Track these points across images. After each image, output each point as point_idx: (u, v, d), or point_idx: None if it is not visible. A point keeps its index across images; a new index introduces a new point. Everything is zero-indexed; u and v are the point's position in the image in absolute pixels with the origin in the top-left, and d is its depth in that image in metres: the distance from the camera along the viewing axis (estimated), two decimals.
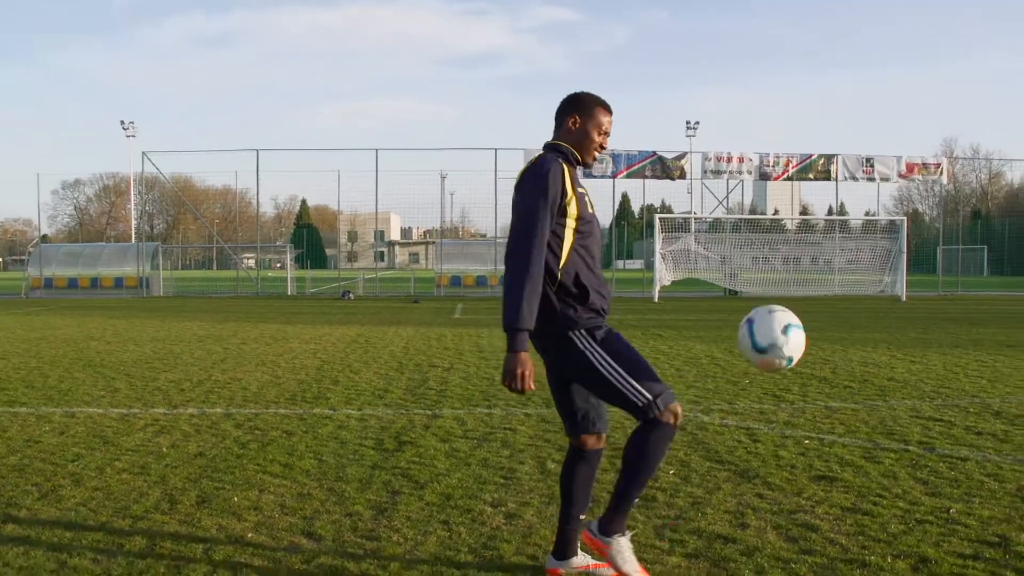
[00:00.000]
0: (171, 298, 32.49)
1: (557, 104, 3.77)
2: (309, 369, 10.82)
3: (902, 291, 30.92)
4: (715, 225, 35.25)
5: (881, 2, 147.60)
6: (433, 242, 53.69)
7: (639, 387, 3.54)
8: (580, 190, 3.62)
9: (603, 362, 3.55)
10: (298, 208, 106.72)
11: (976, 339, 15.37)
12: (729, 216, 36.12)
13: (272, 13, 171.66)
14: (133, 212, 74.74)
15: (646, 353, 12.71)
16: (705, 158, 35.47)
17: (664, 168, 34.97)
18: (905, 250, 31.93)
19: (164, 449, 6.35)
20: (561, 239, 3.59)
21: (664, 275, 31.41)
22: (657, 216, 32.71)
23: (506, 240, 3.61)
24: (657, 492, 5.19)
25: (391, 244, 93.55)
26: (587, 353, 3.56)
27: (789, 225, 40.81)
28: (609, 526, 3.72)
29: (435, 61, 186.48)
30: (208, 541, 4.32)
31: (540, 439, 6.71)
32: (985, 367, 11.19)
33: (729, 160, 35.26)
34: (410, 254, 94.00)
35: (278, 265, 59.68)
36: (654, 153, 35.03)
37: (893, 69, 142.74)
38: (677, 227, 34.22)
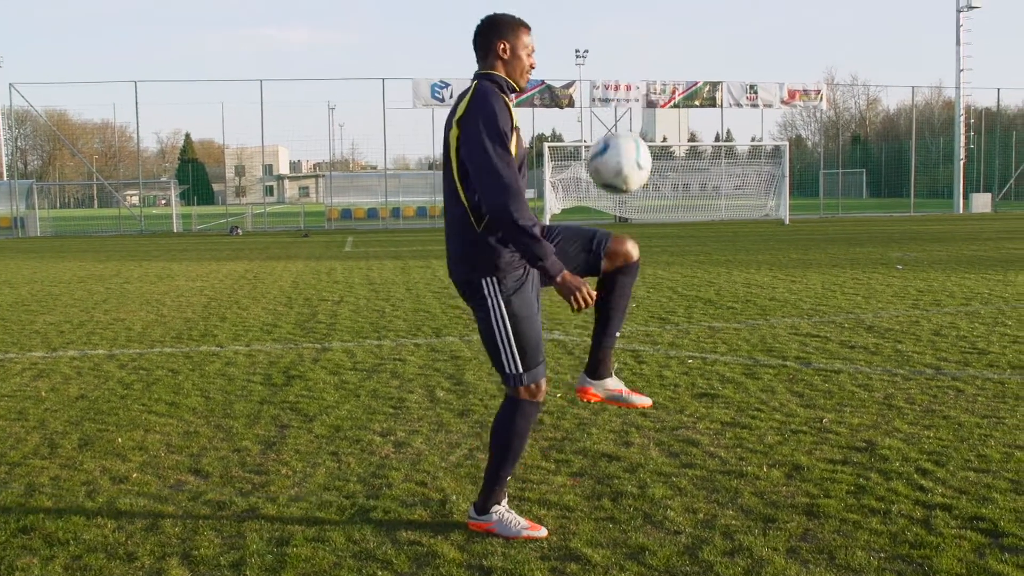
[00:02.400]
0: (49, 238, 31.22)
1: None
2: (195, 307, 10.59)
3: (785, 214, 31.88)
4: None
5: None
6: (323, 175, 52.71)
7: (516, 356, 3.53)
8: (516, 124, 3.50)
9: (498, 319, 3.50)
10: (182, 143, 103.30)
11: (853, 258, 16.02)
12: None
13: None
14: (3, 148, 71.18)
15: None
16: (593, 86, 35.65)
17: (552, 96, 35.02)
18: (788, 175, 32.86)
19: (43, 393, 6.15)
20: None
21: (554, 203, 31.61)
22: (547, 144, 32.80)
23: (444, 179, 3.50)
24: (544, 415, 5.30)
25: (280, 178, 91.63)
26: (489, 302, 3.50)
27: (678, 152, 41.46)
28: (485, 505, 3.62)
29: None
30: (91, 484, 4.23)
31: (430, 368, 6.75)
32: (860, 284, 11.68)
33: (617, 88, 35.52)
34: (300, 188, 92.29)
35: (163, 202, 57.96)
36: (542, 82, 34.99)
37: None
38: (567, 155, 34.41)
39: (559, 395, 5.83)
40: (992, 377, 6.14)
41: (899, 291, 10.94)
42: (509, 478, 3.69)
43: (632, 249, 3.70)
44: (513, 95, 3.62)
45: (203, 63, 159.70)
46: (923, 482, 4.05)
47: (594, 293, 3.41)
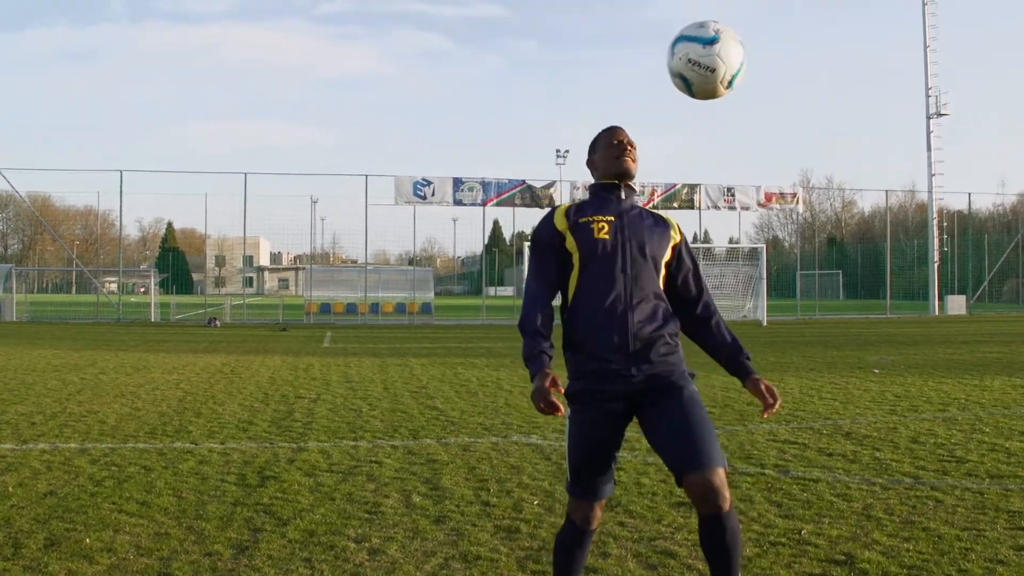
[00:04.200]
0: (25, 324, 30.97)
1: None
2: (171, 401, 10.48)
3: (763, 316, 32.11)
4: None
5: (747, 40, 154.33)
6: (303, 268, 52.88)
7: (571, 469, 3.39)
8: (584, 219, 3.36)
9: (568, 432, 3.37)
10: (164, 231, 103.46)
11: (831, 362, 16.10)
12: None
13: (138, 28, 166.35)
14: None
15: (513, 382, 12.82)
16: (573, 187, 36.24)
17: (533, 197, 35.57)
18: (765, 276, 33.21)
19: (10, 488, 6.02)
20: (567, 280, 3.41)
21: None
22: (527, 244, 33.05)
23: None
24: (520, 523, 5.23)
25: (260, 269, 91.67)
26: (567, 417, 3.35)
27: None
28: None
29: (306, 84, 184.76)
30: None
31: (406, 472, 6.67)
32: (838, 389, 11.72)
33: None
34: (279, 280, 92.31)
35: (142, 290, 57.63)
36: (523, 182, 35.58)
37: (754, 103, 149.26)
38: None
39: (536, 503, 5.76)
40: (971, 487, 6.13)
41: (877, 396, 10.98)
42: None
43: (710, 495, 3.09)
44: (615, 192, 3.44)
45: (188, 153, 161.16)
46: None
47: (562, 409, 3.12)
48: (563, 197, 36.24)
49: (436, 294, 43.28)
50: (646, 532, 5.09)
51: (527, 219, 48.24)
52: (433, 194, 34.85)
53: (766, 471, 6.67)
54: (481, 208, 35.92)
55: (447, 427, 8.73)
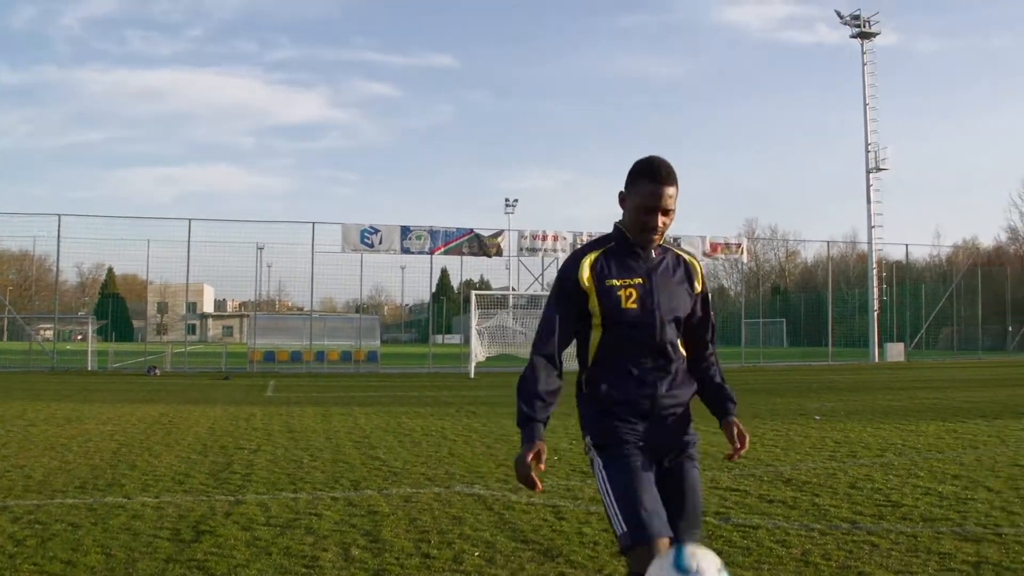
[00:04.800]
0: None
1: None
2: (104, 453, 10.22)
3: None
4: (532, 301, 35.96)
5: (686, 97, 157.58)
6: (247, 315, 52.30)
7: (621, 518, 3.08)
8: (611, 283, 3.18)
9: (604, 478, 3.16)
10: (104, 276, 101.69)
11: (773, 408, 16.26)
12: (545, 292, 36.93)
13: (81, 70, 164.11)
14: None
15: (457, 431, 12.74)
16: (521, 236, 36.48)
17: (481, 245, 35.67)
18: None
19: None
20: (587, 340, 3.29)
21: (480, 351, 31.68)
22: (473, 292, 33.11)
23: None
24: (461, 575, 5.17)
25: (204, 316, 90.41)
26: (597, 467, 3.20)
27: None
28: None
29: (254, 131, 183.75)
30: None
31: (346, 524, 6.57)
32: (779, 436, 11.83)
33: (544, 238, 36.37)
34: (224, 327, 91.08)
35: (79, 337, 56.47)
36: (471, 231, 35.70)
37: (701, 156, 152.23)
38: (495, 303, 34.74)
39: (477, 554, 5.70)
40: (905, 531, 6.20)
41: (817, 442, 11.10)
42: None
43: None
44: (640, 249, 3.27)
45: (131, 198, 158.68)
46: None
47: (539, 486, 3.04)
48: (511, 246, 36.44)
49: (383, 342, 43.03)
50: None
51: (475, 267, 48.33)
52: (381, 242, 34.77)
53: (707, 518, 6.69)
54: (429, 256, 35.94)
55: (389, 478, 8.63)
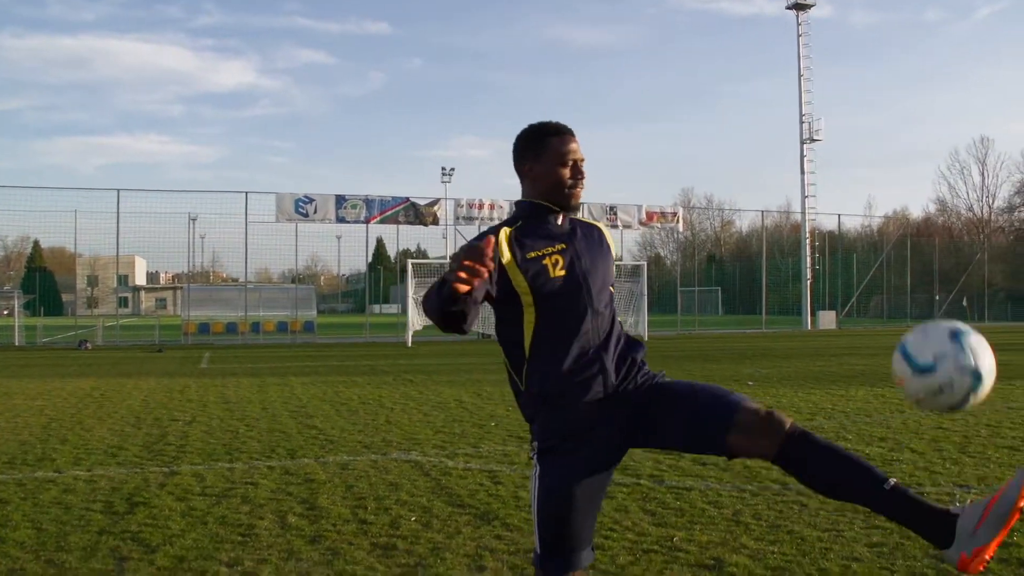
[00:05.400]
0: None
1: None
2: (33, 428, 10.02)
3: (644, 331, 32.75)
4: None
5: (622, 66, 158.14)
6: (181, 287, 51.43)
7: (539, 538, 2.88)
8: (533, 255, 2.86)
9: (535, 493, 2.90)
10: (30, 250, 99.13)
11: (708, 375, 16.54)
12: None
13: None
14: None
15: (395, 399, 12.75)
16: (457, 205, 36.36)
17: (417, 214, 35.51)
18: (646, 292, 33.93)
19: None
20: (519, 331, 2.92)
21: (417, 320, 31.64)
22: (410, 261, 32.98)
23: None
24: (398, 540, 5.21)
25: (136, 289, 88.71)
26: (534, 477, 2.93)
27: None
28: None
29: (182, 99, 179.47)
30: None
31: (282, 492, 6.55)
32: None
33: (481, 207, 36.31)
34: (157, 299, 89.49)
35: (5, 312, 55.01)
36: (407, 199, 35.51)
37: (637, 124, 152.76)
38: (432, 272, 34.62)
39: (413, 519, 5.74)
40: None
41: None
42: None
43: (770, 422, 2.78)
44: (554, 212, 2.98)
45: (55, 168, 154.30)
46: None
47: (489, 266, 2.43)
48: (448, 215, 36.31)
49: (319, 312, 42.74)
50: (523, 544, 5.12)
51: (411, 237, 48.17)
52: (316, 211, 34.41)
53: (641, 481, 6.80)
54: (365, 225, 35.69)
55: (325, 446, 8.61)
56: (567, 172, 2.94)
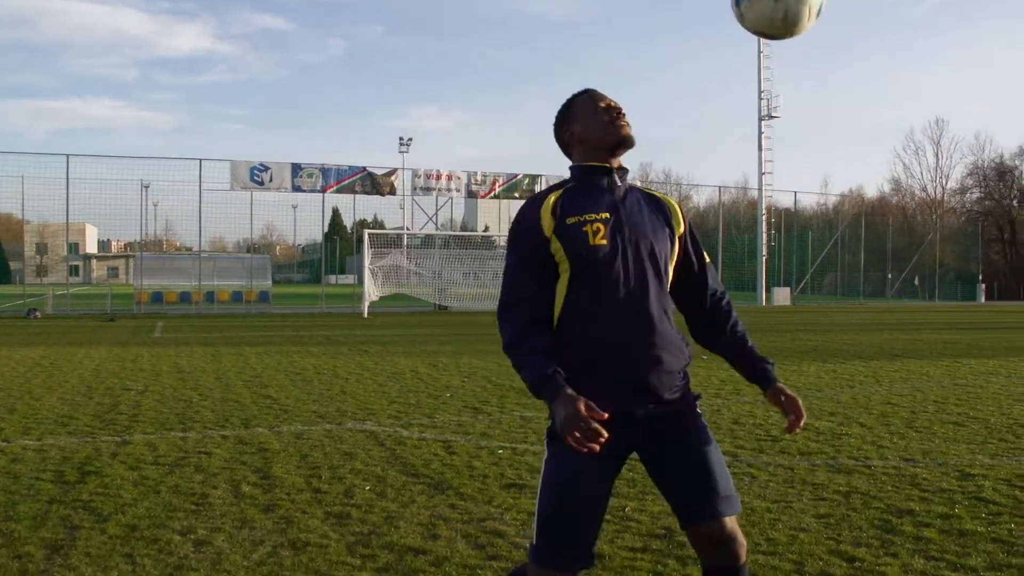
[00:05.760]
0: None
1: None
2: None
3: None
4: (426, 241, 35.88)
5: (580, 36, 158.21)
6: (133, 255, 50.72)
7: (536, 527, 2.68)
8: (573, 220, 2.69)
9: (541, 480, 2.72)
10: None
11: None
12: (439, 232, 36.92)
13: None
14: None
15: (350, 369, 12.72)
16: (415, 175, 36.18)
17: (374, 184, 35.29)
18: None
19: None
20: (553, 294, 2.73)
21: (373, 290, 31.53)
22: (366, 232, 32.80)
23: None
24: (351, 509, 5.22)
25: (87, 258, 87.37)
26: (543, 461, 2.74)
27: (499, 241, 42.32)
28: None
29: (136, 63, 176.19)
30: None
31: (236, 461, 6.53)
32: None
33: (439, 177, 36.16)
34: (108, 268, 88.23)
35: None
36: (364, 169, 35.25)
37: None
38: (389, 243, 34.52)
39: (368, 488, 5.75)
40: (783, 463, 6.50)
41: (703, 380, 11.45)
42: None
43: (728, 543, 2.66)
44: (606, 177, 2.80)
45: (4, 132, 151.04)
46: None
47: (604, 437, 2.38)
48: (405, 185, 36.12)
49: (275, 282, 42.47)
50: (476, 513, 5.16)
51: (368, 207, 47.57)
52: (271, 180, 34.05)
53: None
54: (321, 195, 35.39)
55: (280, 415, 8.58)
56: (602, 115, 2.79)
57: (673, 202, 2.91)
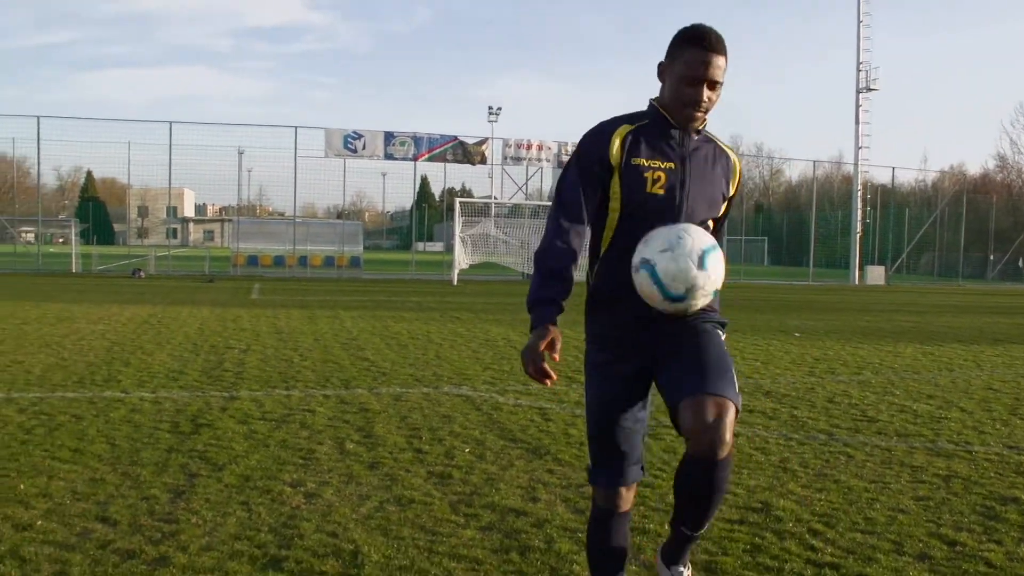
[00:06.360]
0: None
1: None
2: (98, 351, 10.36)
3: None
4: (515, 210, 36.00)
5: (680, 2, 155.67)
6: (229, 219, 52.00)
7: (589, 450, 3.01)
8: (638, 162, 2.72)
9: (585, 405, 3.00)
10: (83, 180, 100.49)
11: (754, 325, 16.53)
12: (528, 202, 36.97)
13: None
14: None
15: (443, 335, 12.94)
16: (505, 144, 36.32)
17: (465, 153, 35.52)
18: None
19: None
20: (602, 227, 2.85)
21: (463, 258, 31.83)
22: (457, 200, 33.06)
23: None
24: (453, 470, 5.39)
25: (185, 221, 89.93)
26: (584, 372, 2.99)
27: None
28: None
29: (230, 33, 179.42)
30: None
31: (339, 420, 6.77)
32: (759, 350, 12.09)
33: (529, 147, 36.23)
34: (204, 231, 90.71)
35: (60, 240, 56.05)
36: (455, 138, 35.51)
37: None
38: (477, 211, 34.74)
39: (468, 450, 5.92)
40: (880, 444, 6.45)
41: (796, 358, 11.37)
42: None
43: (704, 435, 2.68)
44: (677, 130, 2.80)
45: (108, 101, 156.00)
46: (814, 542, 4.26)
47: (553, 377, 2.63)
48: (495, 154, 36.26)
49: (365, 248, 43.04)
50: (574, 479, 5.28)
51: (456, 175, 48.10)
52: (364, 147, 34.56)
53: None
54: (412, 163, 35.79)
55: (378, 377, 8.83)
56: (688, 91, 2.72)
57: (739, 163, 2.97)
